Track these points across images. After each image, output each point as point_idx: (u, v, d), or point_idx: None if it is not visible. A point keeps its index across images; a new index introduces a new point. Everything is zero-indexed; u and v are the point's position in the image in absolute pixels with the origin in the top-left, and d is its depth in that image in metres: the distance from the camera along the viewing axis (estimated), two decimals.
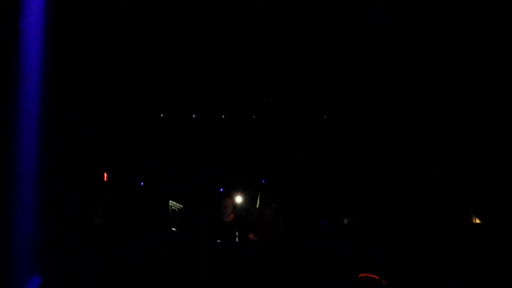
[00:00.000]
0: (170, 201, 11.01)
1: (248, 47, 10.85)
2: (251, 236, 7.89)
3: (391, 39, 9.85)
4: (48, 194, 7.77)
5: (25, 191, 7.67)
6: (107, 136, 10.90)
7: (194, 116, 12.20)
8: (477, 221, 8.90)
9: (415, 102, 10.32)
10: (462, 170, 9.62)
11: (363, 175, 10.73)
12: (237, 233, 7.99)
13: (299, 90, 11.84)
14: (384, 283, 5.98)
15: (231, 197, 9.13)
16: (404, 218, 8.40)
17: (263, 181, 12.04)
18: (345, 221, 10.26)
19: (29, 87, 8.11)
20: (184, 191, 11.50)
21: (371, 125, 10.81)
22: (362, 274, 6.03)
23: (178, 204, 11.18)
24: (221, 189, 11.44)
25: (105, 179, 10.99)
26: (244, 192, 11.29)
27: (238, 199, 10.79)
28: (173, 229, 10.50)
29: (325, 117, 12.02)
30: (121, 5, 9.80)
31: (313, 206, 10.68)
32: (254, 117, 12.18)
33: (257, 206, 10.54)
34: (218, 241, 7.86)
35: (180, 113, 12.20)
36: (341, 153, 11.39)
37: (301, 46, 10.75)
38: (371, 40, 10.01)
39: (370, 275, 5.98)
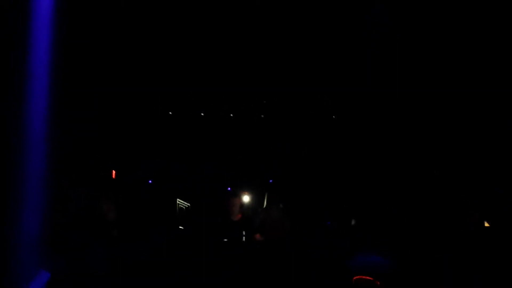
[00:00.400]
0: (178, 200, 11.05)
1: (252, 45, 10.91)
2: (257, 236, 7.94)
3: (391, 39, 9.90)
4: (53, 192, 7.84)
5: (31, 189, 7.73)
6: (112, 134, 10.96)
7: (202, 114, 12.26)
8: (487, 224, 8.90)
9: (416, 102, 10.37)
10: (462, 170, 9.67)
11: (362, 174, 10.77)
12: (244, 233, 8.03)
13: (302, 88, 11.89)
14: (378, 283, 6.05)
15: (238, 196, 9.18)
16: (404, 218, 8.44)
17: (271, 181, 12.07)
18: (353, 221, 10.28)
19: (36, 86, 8.17)
20: (188, 189, 11.54)
21: (372, 124, 10.86)
22: (356, 277, 6.11)
23: (185, 203, 11.22)
24: (229, 188, 11.47)
25: (114, 176, 11.04)
26: (251, 191, 11.31)
27: (246, 198, 10.81)
28: (180, 227, 10.55)
29: (333, 117, 12.06)
30: (121, 4, 9.86)
31: (316, 204, 10.71)
32: (262, 116, 12.23)
33: (264, 206, 10.57)
34: (225, 240, 7.91)
35: (184, 112, 12.26)
36: (342, 151, 11.44)
37: (303, 44, 10.80)
38: (372, 40, 10.06)
39: (364, 277, 6.05)
